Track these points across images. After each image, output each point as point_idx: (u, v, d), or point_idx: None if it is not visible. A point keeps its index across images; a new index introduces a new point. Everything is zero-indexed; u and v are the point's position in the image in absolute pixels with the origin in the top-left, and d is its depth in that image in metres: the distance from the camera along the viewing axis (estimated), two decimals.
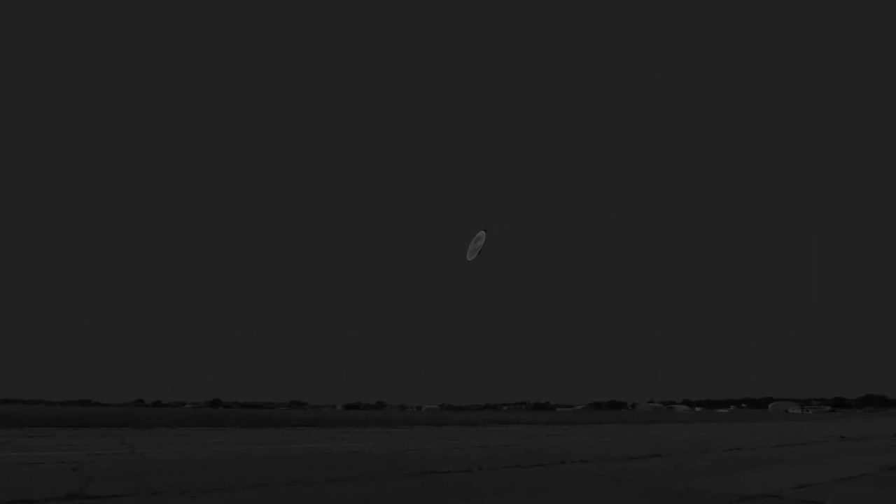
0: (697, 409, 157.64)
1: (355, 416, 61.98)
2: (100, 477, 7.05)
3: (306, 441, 15.33)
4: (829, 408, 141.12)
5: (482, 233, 12.51)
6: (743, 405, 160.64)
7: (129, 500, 5.49)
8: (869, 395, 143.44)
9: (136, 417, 35.36)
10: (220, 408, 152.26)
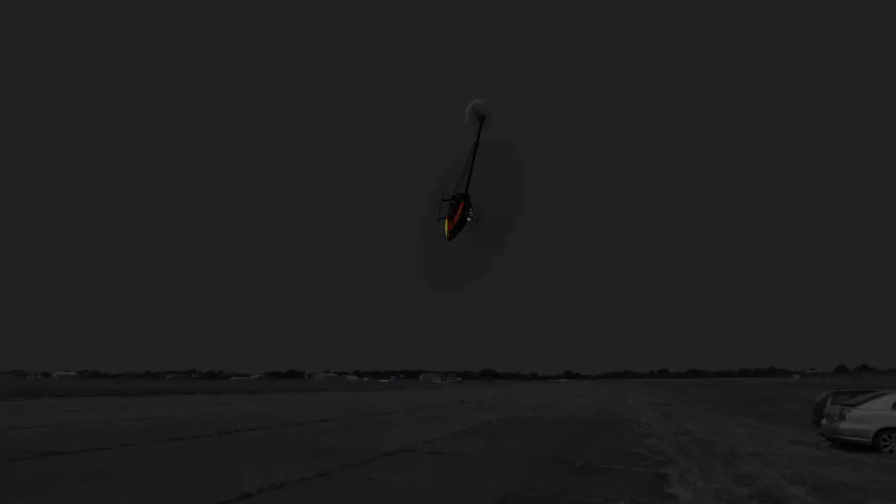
0: (365, 378, 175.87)
1: None
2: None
3: None
4: (459, 378, 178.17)
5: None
6: (401, 375, 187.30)
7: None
8: (486, 369, 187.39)
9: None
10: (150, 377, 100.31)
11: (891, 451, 10.56)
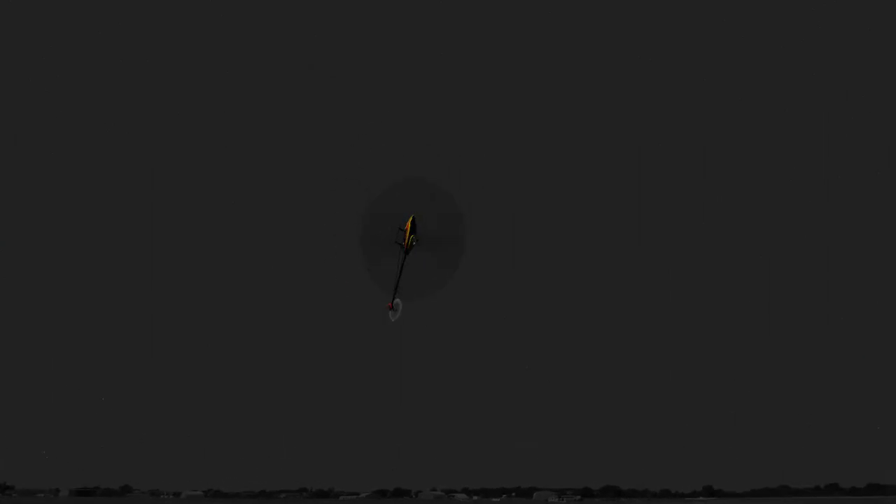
0: (475, 497, 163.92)
1: None
2: None
3: None
4: (578, 497, 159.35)
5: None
6: (513, 494, 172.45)
7: None
8: (608, 485, 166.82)
9: None
10: None
11: None
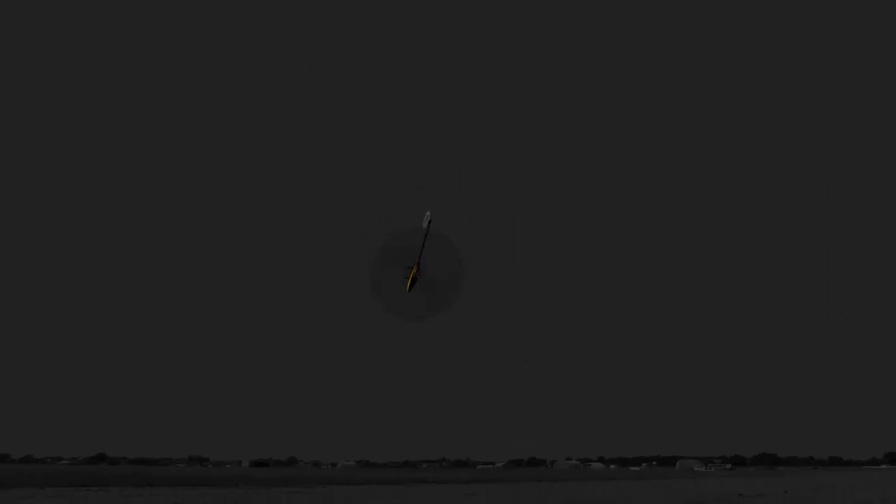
0: (612, 466, 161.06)
1: (263, 474, 57.37)
2: None
3: None
4: (729, 466, 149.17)
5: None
6: (654, 462, 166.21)
7: None
8: (763, 453, 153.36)
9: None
10: (103, 464, 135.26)
11: None
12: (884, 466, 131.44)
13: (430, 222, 11.30)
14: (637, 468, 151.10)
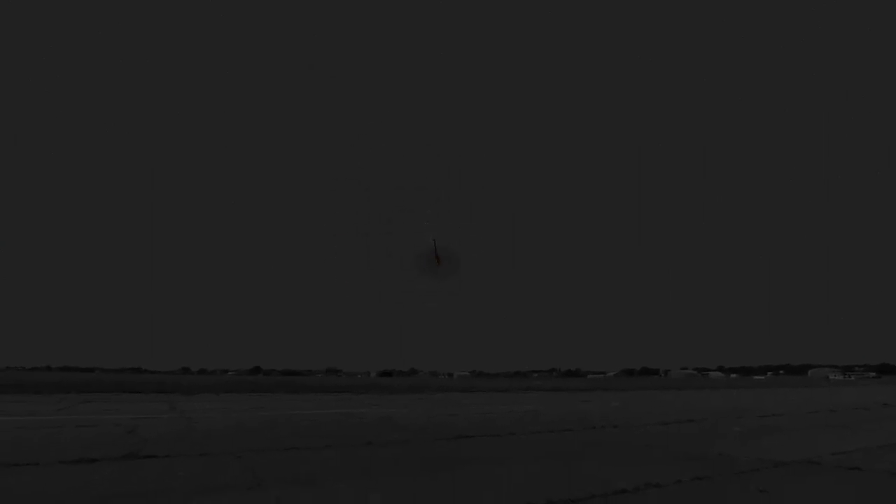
0: (733, 375, 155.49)
1: (388, 382, 63.73)
2: (153, 438, 7.51)
3: (341, 406, 15.88)
4: (873, 374, 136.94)
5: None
6: (781, 371, 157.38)
7: (181, 460, 5.86)
8: None
9: (184, 384, 37.26)
10: (260, 375, 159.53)
11: None
12: None
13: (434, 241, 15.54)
14: (762, 377, 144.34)
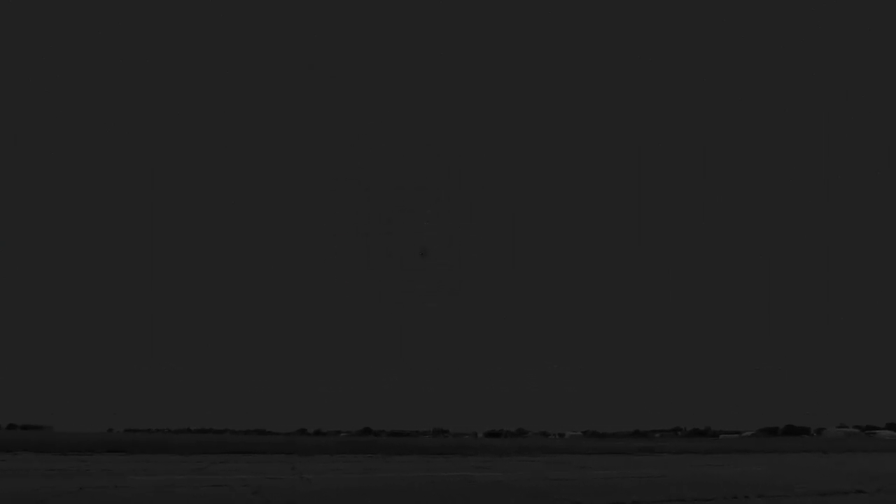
0: None
1: (497, 444, 61.52)
2: (276, 499, 7.92)
3: (452, 469, 15.61)
4: None
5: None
6: None
7: None
8: None
9: (301, 445, 39.07)
10: (370, 435, 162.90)
11: None
12: None
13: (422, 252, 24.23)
14: None
